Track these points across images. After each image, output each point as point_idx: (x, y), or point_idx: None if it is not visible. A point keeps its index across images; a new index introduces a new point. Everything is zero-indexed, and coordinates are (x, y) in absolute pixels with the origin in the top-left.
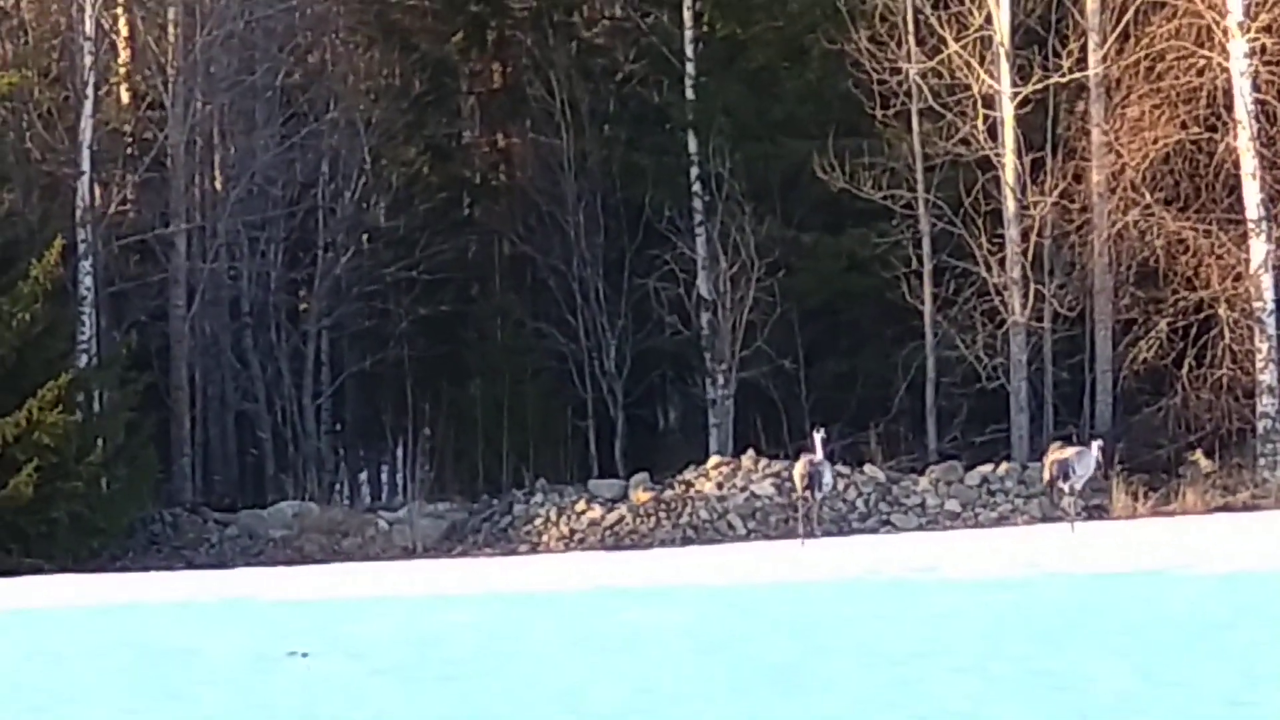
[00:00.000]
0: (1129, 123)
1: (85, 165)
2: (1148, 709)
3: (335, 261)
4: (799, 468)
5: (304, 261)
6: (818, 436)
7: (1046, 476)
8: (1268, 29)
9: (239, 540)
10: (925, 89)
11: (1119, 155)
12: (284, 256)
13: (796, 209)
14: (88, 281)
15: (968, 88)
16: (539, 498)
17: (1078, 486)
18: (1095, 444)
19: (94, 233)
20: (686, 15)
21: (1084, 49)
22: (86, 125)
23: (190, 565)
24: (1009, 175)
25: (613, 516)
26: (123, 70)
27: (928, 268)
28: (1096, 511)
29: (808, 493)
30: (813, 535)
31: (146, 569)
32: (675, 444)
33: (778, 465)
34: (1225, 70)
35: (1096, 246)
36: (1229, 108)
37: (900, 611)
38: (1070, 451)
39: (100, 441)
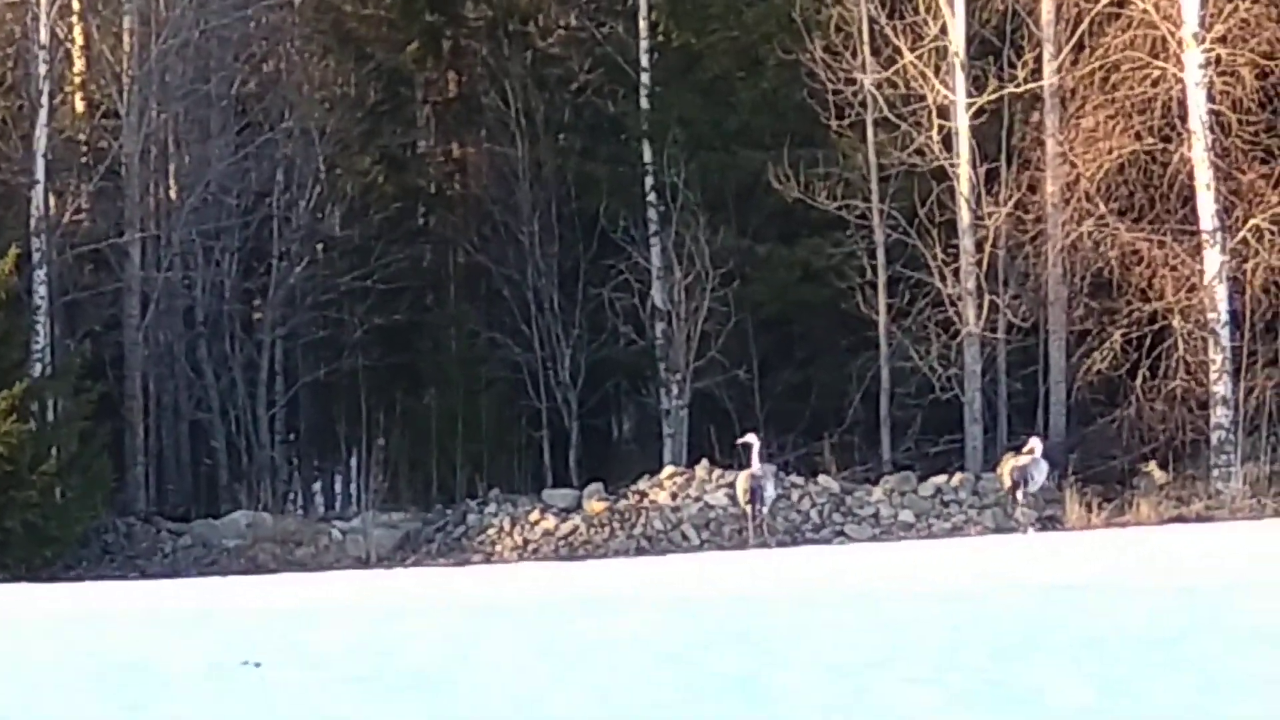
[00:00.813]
0: (1083, 133)
1: (40, 174)
2: None
3: (290, 271)
4: (740, 483)
5: (258, 271)
6: (753, 443)
7: (1007, 484)
8: (1222, 40)
9: (192, 550)
10: (880, 99)
11: (1073, 165)
12: (238, 265)
13: (751, 219)
14: (42, 290)
15: (923, 98)
16: (493, 507)
17: (1032, 492)
18: (1035, 440)
19: (48, 241)
20: (642, 25)
21: (1039, 59)
22: (41, 134)
23: (144, 575)
24: (964, 186)
25: (567, 526)
26: (78, 79)
27: (882, 278)
28: (1050, 522)
29: (749, 507)
30: (765, 545)
31: (100, 579)
32: (630, 454)
33: (731, 475)
34: (1180, 81)
35: (1051, 257)
36: (1183, 118)
37: (856, 622)
38: (1026, 459)
39: (54, 451)
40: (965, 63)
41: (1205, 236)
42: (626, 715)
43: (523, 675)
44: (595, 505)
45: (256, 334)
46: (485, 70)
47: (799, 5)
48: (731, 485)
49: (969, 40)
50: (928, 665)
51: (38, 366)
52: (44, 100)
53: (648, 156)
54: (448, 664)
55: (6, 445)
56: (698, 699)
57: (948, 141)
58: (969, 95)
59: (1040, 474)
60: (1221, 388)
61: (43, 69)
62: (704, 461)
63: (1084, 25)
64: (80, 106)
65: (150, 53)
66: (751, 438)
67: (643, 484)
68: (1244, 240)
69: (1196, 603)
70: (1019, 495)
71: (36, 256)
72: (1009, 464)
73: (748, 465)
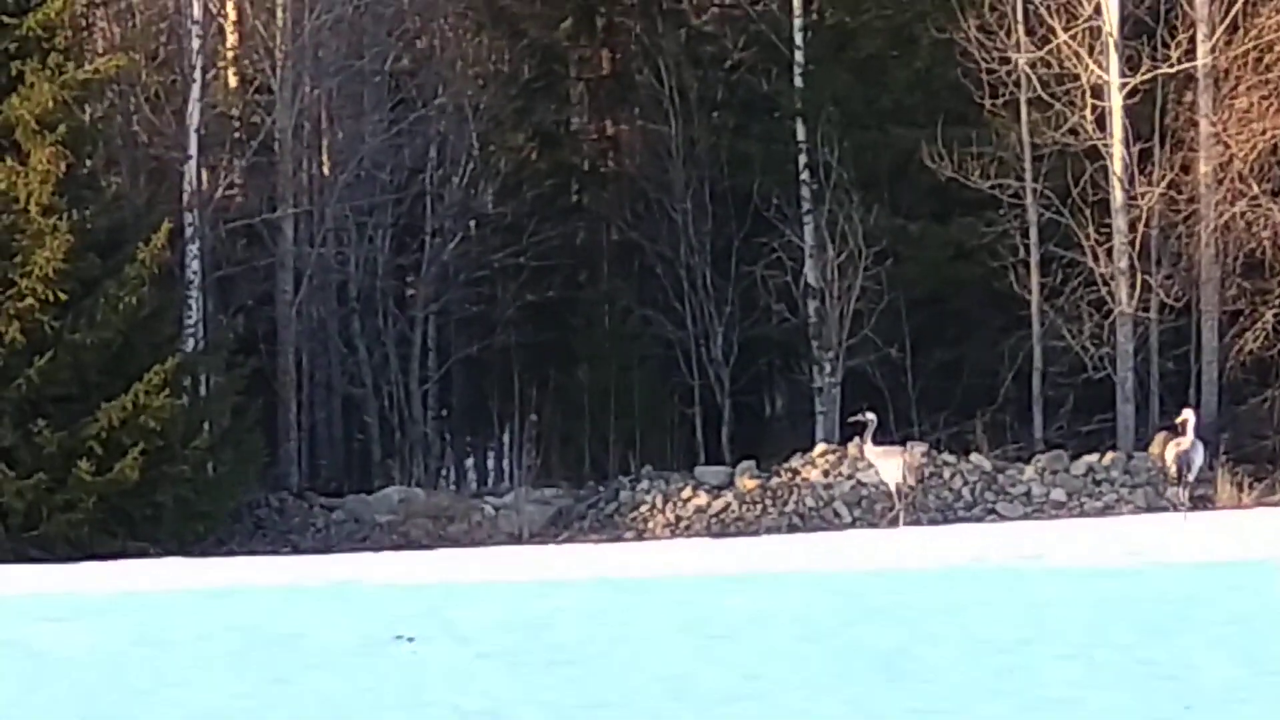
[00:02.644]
0: (1237, 114)
1: (192, 149)
2: (1253, 698)
3: (443, 247)
4: (1171, 454)
5: (411, 247)
6: (1189, 417)
7: (1172, 471)
8: None
9: (345, 525)
10: (1034, 78)
11: (1226, 146)
12: (391, 242)
13: (904, 198)
14: (195, 266)
15: (1076, 78)
16: (645, 484)
17: (1191, 478)
18: (1188, 412)
19: (201, 217)
20: (796, 3)
21: (1192, 40)
22: (194, 109)
23: (296, 550)
24: (1116, 165)
25: (719, 503)
26: (230, 54)
27: (1034, 257)
28: (1201, 502)
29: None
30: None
31: (252, 553)
32: (781, 431)
33: (918, 451)
34: None
35: (1203, 237)
36: None
37: (1005, 599)
38: (1186, 441)
39: (206, 426)
40: (1119, 42)
41: None
42: (776, 692)
43: (671, 652)
44: (747, 482)
45: (409, 310)
46: (639, 47)
47: None
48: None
49: (1123, 20)
50: (1075, 642)
51: (190, 341)
52: (196, 75)
53: (801, 135)
54: (598, 641)
55: (159, 420)
56: (847, 676)
57: (1101, 121)
58: (1122, 75)
59: (1199, 457)
60: None
61: (196, 44)
62: (856, 439)
63: (1238, 5)
64: (233, 81)
65: (303, 28)
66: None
67: (795, 461)
68: None
69: None
70: (1187, 479)
71: (189, 231)
72: (1171, 449)
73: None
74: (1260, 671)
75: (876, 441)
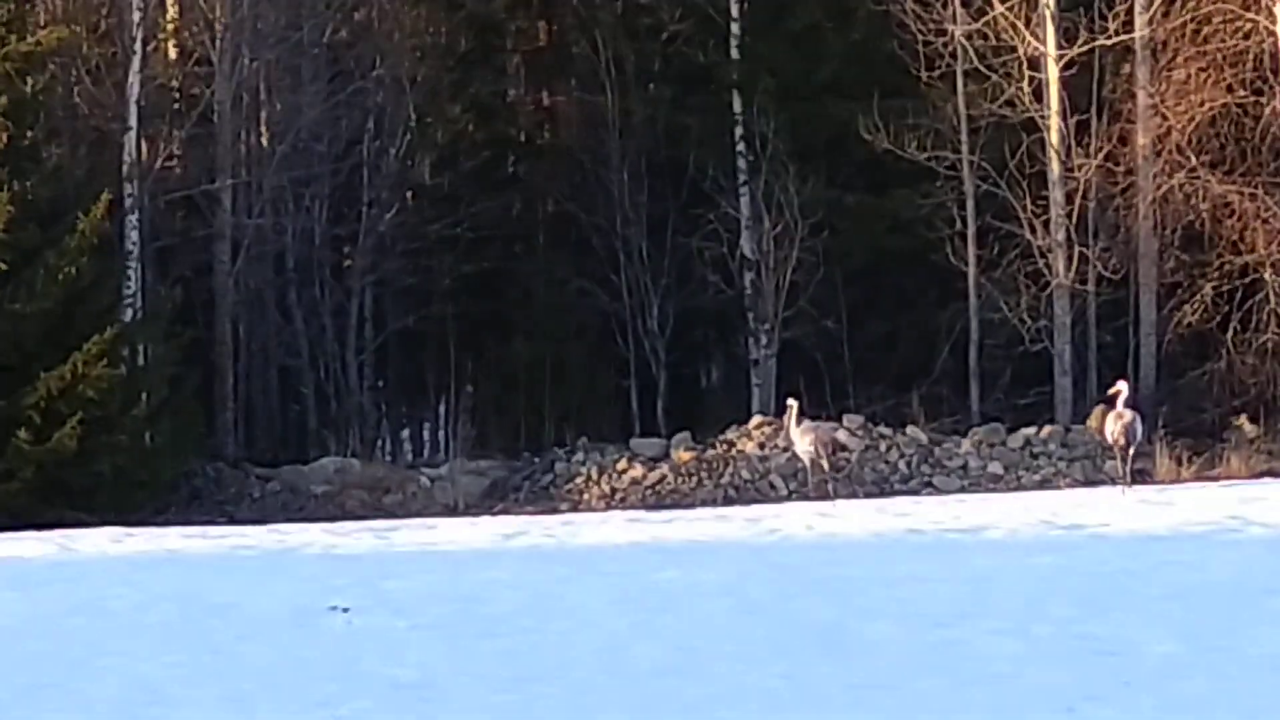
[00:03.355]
0: (1175, 86)
1: (132, 120)
2: (1191, 673)
3: (379, 218)
4: (1116, 426)
5: (348, 218)
6: (1123, 388)
7: (1121, 442)
8: None
9: (281, 495)
10: (970, 50)
11: (1164, 118)
12: (328, 212)
13: (841, 170)
14: (134, 236)
15: (1013, 49)
16: (580, 456)
17: (1131, 451)
18: (1122, 384)
19: (140, 188)
20: None
21: (1130, 11)
22: (134, 81)
23: (232, 520)
24: (1054, 137)
25: (654, 475)
26: (170, 26)
27: (971, 229)
28: (1140, 476)
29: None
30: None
31: (188, 523)
32: (717, 403)
33: (828, 427)
34: (1272, 34)
35: (1141, 210)
36: (1275, 71)
37: (942, 573)
38: (1129, 415)
39: (144, 396)
40: (1056, 14)
41: None
42: (710, 664)
43: (605, 624)
44: (683, 454)
45: (346, 281)
46: (576, 19)
47: None
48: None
49: None
50: (1013, 616)
51: (129, 312)
52: (137, 47)
53: (737, 106)
54: (533, 612)
55: (97, 390)
56: (783, 649)
57: (1038, 93)
58: (1060, 47)
59: (1139, 430)
60: None
61: (136, 16)
62: (794, 409)
63: None
64: (173, 54)
65: (243, 0)
66: (1123, 385)
67: (731, 434)
68: None
69: None
70: (1127, 452)
71: (129, 202)
72: (1114, 421)
73: (786, 422)
74: (1198, 647)
75: (812, 418)
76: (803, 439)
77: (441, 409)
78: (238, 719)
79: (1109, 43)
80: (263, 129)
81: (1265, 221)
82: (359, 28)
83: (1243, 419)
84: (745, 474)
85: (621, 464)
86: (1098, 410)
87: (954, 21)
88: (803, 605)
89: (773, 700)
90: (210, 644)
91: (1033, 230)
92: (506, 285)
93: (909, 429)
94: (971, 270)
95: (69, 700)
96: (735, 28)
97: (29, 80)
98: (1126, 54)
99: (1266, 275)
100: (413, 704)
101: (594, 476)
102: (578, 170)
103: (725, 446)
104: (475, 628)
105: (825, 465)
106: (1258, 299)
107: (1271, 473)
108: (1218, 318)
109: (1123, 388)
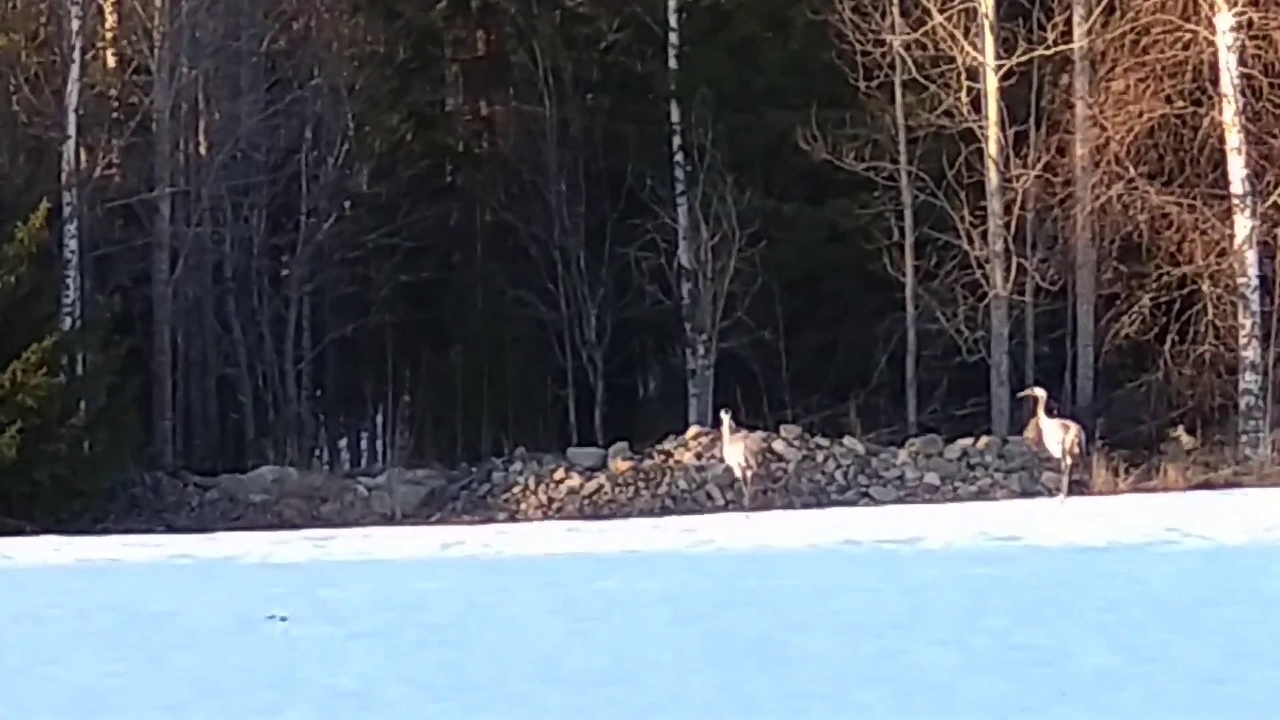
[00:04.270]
0: (1114, 96)
1: (71, 129)
2: (1127, 685)
3: (317, 227)
4: (1070, 437)
5: (286, 227)
6: (1040, 393)
7: (1075, 451)
8: (1254, 2)
9: (219, 504)
10: (909, 60)
11: (1103, 129)
12: (266, 222)
13: (778, 179)
14: (72, 245)
15: (952, 60)
16: (518, 465)
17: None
18: (1040, 390)
19: (79, 196)
20: None
21: (1069, 22)
22: (73, 89)
23: (170, 529)
24: (992, 148)
25: (591, 485)
26: (109, 35)
27: (909, 240)
28: (1076, 487)
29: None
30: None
31: (127, 532)
32: (654, 413)
33: (757, 436)
34: (1211, 44)
35: (1080, 220)
36: (1214, 82)
37: (879, 584)
38: (1075, 425)
39: (83, 404)
40: (995, 24)
41: (1235, 201)
42: (646, 674)
43: (543, 633)
44: (620, 464)
45: (284, 290)
46: (514, 29)
47: None
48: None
49: (998, 1)
50: (951, 627)
51: (67, 320)
52: (75, 55)
53: (675, 116)
54: (469, 621)
55: (35, 398)
56: (719, 659)
57: (976, 103)
58: (998, 57)
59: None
60: (1250, 353)
61: (75, 24)
62: (728, 421)
63: None
64: (111, 62)
65: (181, 9)
66: (724, 414)
67: (668, 444)
68: (1274, 205)
69: (1223, 568)
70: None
71: (67, 211)
72: (1060, 431)
73: (1034, 417)
74: (1135, 659)
75: (749, 428)
76: (732, 448)
77: (379, 418)
78: None
79: (1048, 53)
80: (201, 138)
81: (1203, 233)
82: (297, 36)
83: (1180, 430)
84: (682, 484)
85: (559, 474)
86: (1034, 421)
87: (892, 31)
88: (739, 615)
89: (709, 710)
90: (149, 652)
91: (970, 241)
92: (444, 294)
93: (846, 439)
94: (909, 281)
95: (8, 708)
96: (673, 37)
97: None
98: (1065, 64)
99: (1204, 287)
100: (351, 712)
101: (531, 486)
102: (515, 179)
103: (662, 457)
104: (413, 636)
105: (752, 475)
106: (1195, 310)
107: (1208, 484)
108: (1155, 329)
109: (1039, 392)
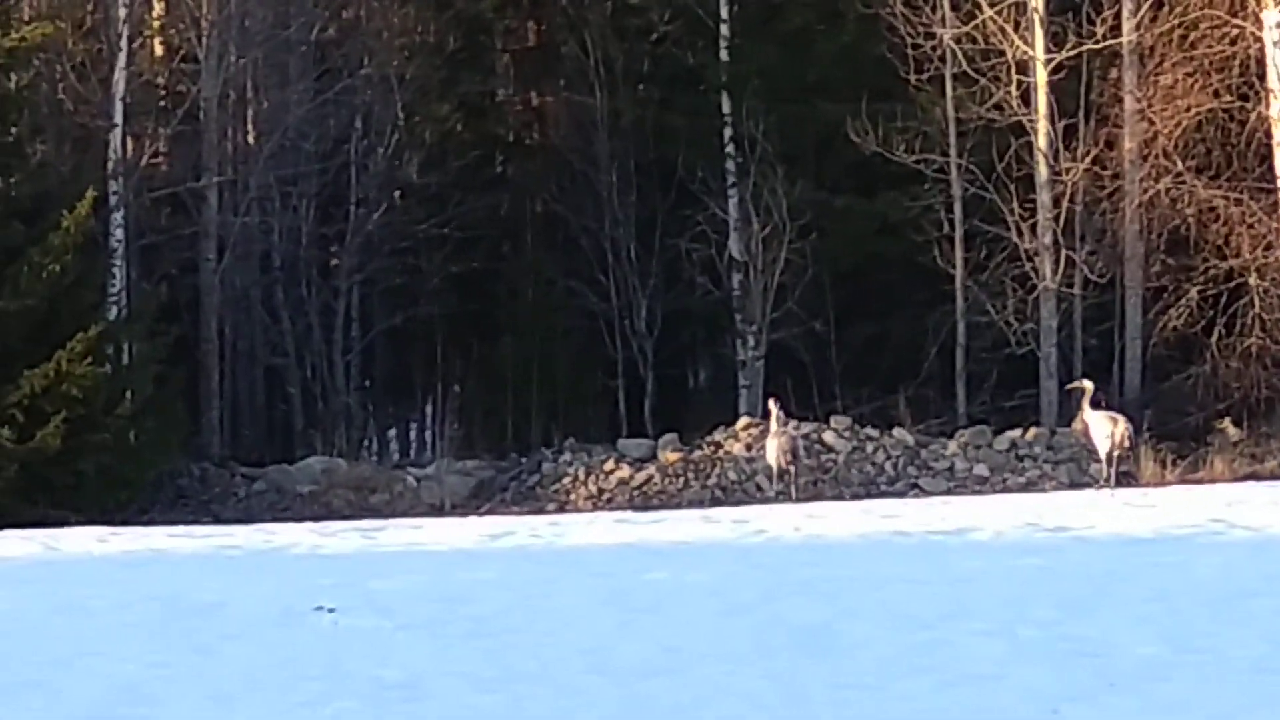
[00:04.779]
0: (1162, 90)
1: (118, 117)
2: (1174, 675)
3: (367, 217)
4: (1119, 431)
5: (335, 217)
6: (1087, 385)
7: (1126, 445)
8: None
9: (266, 495)
10: (959, 54)
11: (1151, 123)
12: (315, 212)
13: (829, 171)
14: (119, 234)
15: (1002, 53)
16: (567, 456)
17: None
18: (1087, 382)
19: (126, 185)
20: None
21: (1118, 16)
22: (120, 77)
23: (217, 520)
24: (1041, 141)
25: (641, 476)
26: (156, 23)
27: (959, 232)
28: (1124, 478)
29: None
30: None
31: (173, 523)
32: (705, 404)
33: (807, 427)
34: (1258, 40)
35: (1128, 213)
36: (1261, 77)
37: (928, 574)
38: (1123, 419)
39: (129, 394)
40: (1044, 18)
41: None
42: (696, 665)
43: (591, 624)
44: (670, 455)
45: (333, 280)
46: (565, 19)
47: None
48: (808, 437)
49: None
50: (997, 618)
51: (114, 310)
52: (123, 44)
53: (726, 108)
54: (518, 613)
55: (81, 388)
56: (769, 650)
57: (1026, 97)
58: (1048, 51)
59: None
60: None
61: (122, 12)
62: (776, 413)
63: None
64: (159, 50)
65: None
66: (771, 404)
67: (718, 435)
68: None
69: (1269, 559)
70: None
71: (114, 200)
72: (1107, 424)
73: (1080, 410)
74: (1181, 649)
75: (799, 419)
76: (770, 443)
77: (428, 409)
78: (221, 719)
79: (1097, 47)
80: (249, 127)
81: (1250, 226)
82: (347, 25)
83: (1227, 422)
84: (732, 475)
85: (608, 464)
86: (1081, 413)
87: (943, 25)
88: (788, 606)
89: (758, 701)
90: (194, 644)
91: (1020, 233)
92: (494, 285)
93: (895, 431)
94: (959, 273)
95: (51, 699)
96: (725, 29)
97: (13, 76)
98: (1114, 59)
99: (1251, 280)
100: (398, 704)
101: (581, 477)
102: (566, 170)
103: (712, 448)
104: (461, 628)
105: (790, 469)
106: (1242, 303)
107: (1255, 476)
108: (1203, 322)
109: (1087, 384)
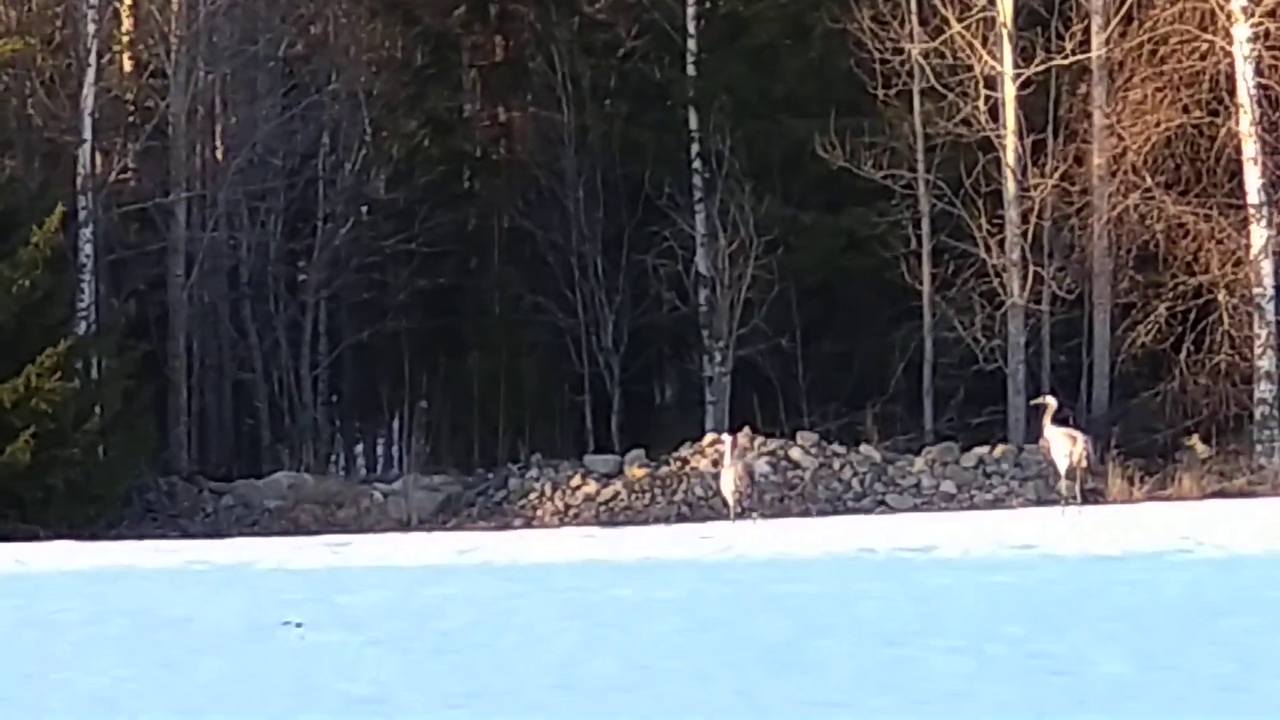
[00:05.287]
0: (1131, 106)
1: (87, 133)
2: (1142, 694)
3: (334, 233)
4: (1077, 448)
5: (303, 232)
6: (1051, 401)
7: (1084, 464)
8: (1271, 14)
9: (234, 510)
10: (927, 69)
11: (1120, 138)
12: (283, 227)
13: (796, 187)
14: (88, 249)
15: (970, 68)
16: (534, 472)
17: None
18: (1050, 398)
19: (95, 200)
20: None
21: (1087, 31)
22: (88, 93)
23: (185, 534)
24: (1009, 157)
25: (608, 492)
26: (125, 38)
27: (927, 248)
28: (1092, 495)
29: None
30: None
31: (142, 537)
32: (671, 420)
33: (774, 443)
34: (1228, 55)
35: (1096, 229)
36: (1231, 92)
37: (895, 591)
38: (1083, 436)
39: (98, 409)
40: (1013, 33)
41: (1252, 211)
42: (662, 682)
43: (559, 640)
44: (637, 471)
45: (300, 295)
46: (532, 35)
47: None
48: (773, 453)
49: (1017, 11)
50: (966, 635)
51: (82, 325)
52: (92, 59)
53: (693, 123)
54: (485, 628)
55: (50, 403)
56: (735, 666)
57: (994, 112)
58: (1016, 66)
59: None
60: (1266, 362)
61: (91, 28)
62: (745, 429)
63: None
64: (128, 66)
65: (198, 13)
66: (725, 437)
67: (684, 450)
68: None
69: (1237, 577)
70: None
71: (83, 215)
72: (1066, 442)
73: (1040, 428)
74: (1150, 667)
75: (766, 435)
76: (726, 474)
77: (395, 424)
78: None
79: (1065, 62)
80: (218, 142)
81: (1219, 242)
82: (315, 41)
83: (1195, 439)
84: (699, 491)
85: (575, 480)
86: (1055, 432)
87: (911, 40)
88: (755, 623)
89: (725, 717)
90: (163, 658)
91: (988, 249)
92: (461, 300)
93: (863, 447)
94: (926, 289)
95: (21, 714)
96: (691, 44)
97: None
98: (1083, 74)
99: (1220, 296)
100: (366, 718)
101: (548, 493)
102: (533, 186)
103: (679, 464)
104: (428, 643)
105: (745, 492)
106: (1211, 320)
107: (1223, 493)
108: (1171, 338)
109: (1050, 401)
